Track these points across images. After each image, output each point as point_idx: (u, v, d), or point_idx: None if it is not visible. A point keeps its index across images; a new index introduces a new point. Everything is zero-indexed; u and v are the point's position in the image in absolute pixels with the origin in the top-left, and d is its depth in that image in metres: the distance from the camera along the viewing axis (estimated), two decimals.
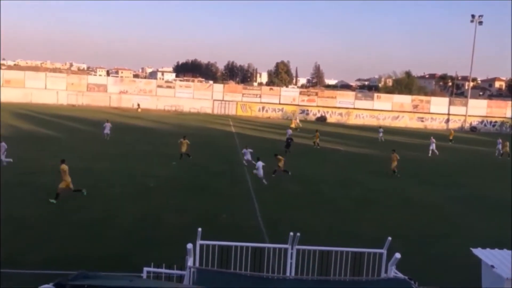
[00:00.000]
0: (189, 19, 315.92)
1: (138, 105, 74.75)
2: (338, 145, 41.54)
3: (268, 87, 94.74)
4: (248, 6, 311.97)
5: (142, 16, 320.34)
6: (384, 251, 8.45)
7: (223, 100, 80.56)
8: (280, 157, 25.82)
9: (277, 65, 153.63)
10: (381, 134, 48.82)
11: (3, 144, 24.41)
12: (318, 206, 20.52)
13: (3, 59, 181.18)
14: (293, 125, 54.13)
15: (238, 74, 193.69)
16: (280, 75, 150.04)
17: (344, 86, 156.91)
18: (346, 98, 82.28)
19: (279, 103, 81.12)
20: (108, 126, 36.95)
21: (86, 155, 28.86)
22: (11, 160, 24.39)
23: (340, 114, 79.58)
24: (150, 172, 24.88)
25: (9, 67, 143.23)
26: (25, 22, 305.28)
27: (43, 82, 77.39)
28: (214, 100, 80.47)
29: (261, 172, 23.52)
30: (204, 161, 29.45)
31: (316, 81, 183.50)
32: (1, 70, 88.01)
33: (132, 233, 15.17)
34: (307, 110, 79.95)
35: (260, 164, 23.64)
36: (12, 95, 72.76)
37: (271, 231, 16.10)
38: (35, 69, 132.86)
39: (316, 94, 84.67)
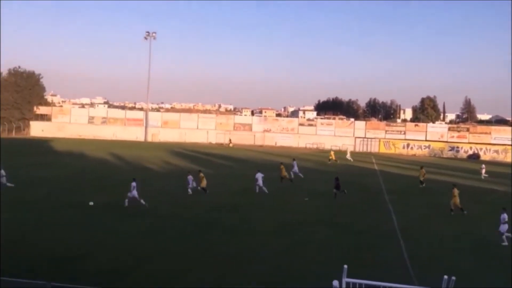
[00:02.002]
0: (330, 58, 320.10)
1: (230, 140, 77.54)
2: (495, 185, 37.78)
3: (413, 124, 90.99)
4: (389, 40, 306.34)
5: (284, 58, 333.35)
6: None
7: (365, 138, 79.24)
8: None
9: (423, 100, 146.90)
10: None
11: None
12: (475, 248, 18.62)
13: (162, 103, 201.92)
14: (332, 157, 53.51)
15: (381, 111, 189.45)
16: (426, 110, 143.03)
17: (500, 121, 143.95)
18: (502, 134, 75.43)
19: (425, 140, 77.28)
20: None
21: (234, 190, 30.19)
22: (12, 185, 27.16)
23: (496, 151, 72.83)
24: (291, 208, 25.06)
25: (167, 110, 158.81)
26: (180, 69, 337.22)
27: (195, 122, 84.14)
28: (356, 137, 79.51)
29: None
30: (347, 199, 28.87)
31: (467, 116, 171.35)
32: (161, 113, 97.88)
33: (279, 268, 15.23)
34: (457, 147, 74.71)
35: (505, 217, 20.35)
36: (169, 135, 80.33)
37: (420, 272, 14.97)
38: (188, 111, 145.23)
39: (468, 130, 79.03)
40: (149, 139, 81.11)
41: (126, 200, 23.67)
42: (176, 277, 13.93)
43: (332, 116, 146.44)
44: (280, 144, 79.05)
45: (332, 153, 55.87)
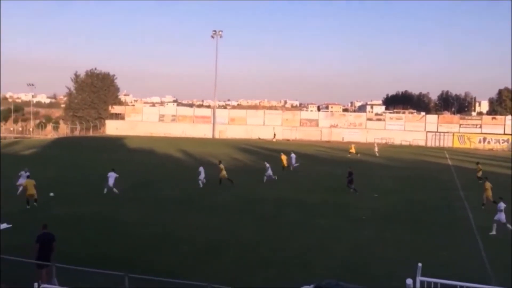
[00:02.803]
0: (398, 50, 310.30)
1: (274, 135, 76.86)
2: None
3: (489, 117, 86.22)
4: (461, 30, 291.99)
5: (350, 51, 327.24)
6: None
7: (437, 132, 76.34)
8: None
9: (500, 91, 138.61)
10: None
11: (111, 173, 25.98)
12: None
13: (228, 100, 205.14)
14: (352, 150, 51.76)
15: (454, 104, 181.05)
16: (504, 102, 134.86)
17: None
18: None
19: (504, 133, 73.04)
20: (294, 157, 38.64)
21: (301, 187, 30.09)
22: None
23: None
24: (361, 204, 24.58)
25: (233, 107, 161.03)
26: (246, 66, 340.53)
27: (261, 119, 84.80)
28: (427, 132, 76.79)
29: None
30: (418, 194, 27.94)
31: None
32: (228, 110, 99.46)
33: (348, 265, 14.99)
34: None
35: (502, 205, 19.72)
36: (236, 132, 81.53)
37: (500, 275, 14.13)
38: (255, 107, 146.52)
39: None
40: (217, 135, 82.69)
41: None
42: (246, 272, 14.07)
43: (402, 110, 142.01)
44: (348, 140, 77.65)
45: (352, 146, 54.56)
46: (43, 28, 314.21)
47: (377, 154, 53.96)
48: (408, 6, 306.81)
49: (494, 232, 18.90)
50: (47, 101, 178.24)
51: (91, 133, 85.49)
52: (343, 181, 28.77)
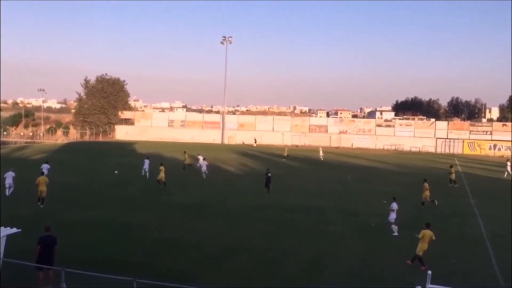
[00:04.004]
0: (407, 56, 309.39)
1: (255, 140, 77.44)
2: None
3: (500, 123, 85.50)
4: (470, 36, 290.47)
5: (359, 57, 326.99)
6: None
7: (447, 138, 75.90)
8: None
9: (511, 98, 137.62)
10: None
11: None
12: None
13: (237, 106, 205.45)
14: (285, 153, 53.66)
15: (464, 111, 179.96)
16: None
17: None
18: None
19: None
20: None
21: (310, 193, 30.00)
22: None
23: None
24: (370, 210, 24.45)
25: (243, 113, 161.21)
26: (255, 72, 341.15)
27: (270, 124, 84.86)
28: (437, 138, 76.39)
29: None
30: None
31: None
32: (237, 116, 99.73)
33: (358, 271, 14.90)
34: None
35: (395, 206, 20.62)
36: (245, 137, 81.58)
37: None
38: (264, 113, 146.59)
39: None
40: (226, 141, 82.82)
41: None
42: (256, 278, 14.03)
43: (411, 117, 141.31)
44: (357, 146, 77.63)
45: (286, 149, 55.93)
46: (54, 34, 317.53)
47: (322, 159, 53.82)
48: (418, 12, 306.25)
49: (396, 233, 19.50)
50: (58, 106, 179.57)
51: (100, 138, 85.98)
52: (352, 187, 28.69)
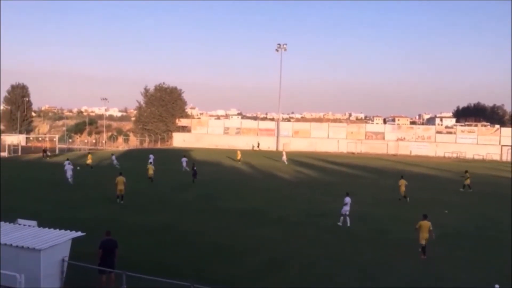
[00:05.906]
0: (469, 59, 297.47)
1: (258, 144, 76.99)
2: None
3: None
4: None
5: (418, 61, 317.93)
6: None
7: None
8: None
9: None
10: None
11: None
12: None
13: (292, 113, 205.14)
14: (238, 157, 54.46)
15: None
16: None
17: None
18: None
19: None
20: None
21: (365, 200, 29.42)
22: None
23: None
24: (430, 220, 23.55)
25: (297, 120, 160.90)
26: (310, 78, 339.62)
27: (325, 132, 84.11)
28: (502, 145, 72.88)
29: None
30: (492, 212, 26.49)
31: None
32: (292, 123, 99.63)
33: (414, 283, 14.41)
34: None
35: (348, 200, 22.32)
36: (300, 144, 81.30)
37: None
38: (319, 120, 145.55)
39: None
40: (280, 148, 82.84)
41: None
42: (311, 285, 13.89)
43: (474, 123, 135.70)
44: (416, 153, 75.46)
45: (239, 152, 56.19)
46: (116, 46, 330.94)
47: (286, 163, 53.14)
48: (480, 14, 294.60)
49: (340, 223, 21.71)
50: (119, 114, 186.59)
51: (159, 145, 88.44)
52: (414, 195, 27.96)
